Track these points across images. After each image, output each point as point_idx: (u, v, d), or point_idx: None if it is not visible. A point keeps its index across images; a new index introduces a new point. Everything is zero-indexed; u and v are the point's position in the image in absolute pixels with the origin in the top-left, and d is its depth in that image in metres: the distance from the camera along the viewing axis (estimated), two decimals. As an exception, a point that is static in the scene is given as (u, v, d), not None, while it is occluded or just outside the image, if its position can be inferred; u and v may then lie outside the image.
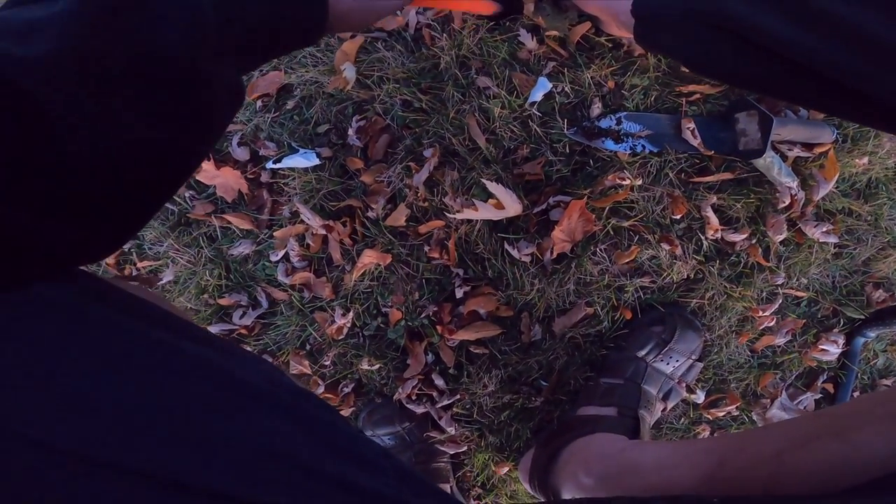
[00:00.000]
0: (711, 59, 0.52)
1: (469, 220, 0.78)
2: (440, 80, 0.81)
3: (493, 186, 0.74)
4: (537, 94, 0.78)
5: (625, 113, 0.79)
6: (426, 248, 0.79)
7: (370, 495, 0.33)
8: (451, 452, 0.87)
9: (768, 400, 0.84)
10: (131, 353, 0.31)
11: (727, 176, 0.78)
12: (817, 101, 0.47)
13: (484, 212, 0.74)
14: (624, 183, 0.76)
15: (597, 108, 0.79)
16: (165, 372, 0.32)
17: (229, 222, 0.85)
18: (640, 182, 0.77)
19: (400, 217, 0.77)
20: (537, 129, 0.78)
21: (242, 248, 0.85)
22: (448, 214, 0.77)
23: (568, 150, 0.78)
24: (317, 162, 0.82)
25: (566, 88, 0.79)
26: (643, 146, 0.78)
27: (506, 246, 0.78)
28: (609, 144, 0.78)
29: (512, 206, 0.75)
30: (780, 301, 0.81)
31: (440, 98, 0.80)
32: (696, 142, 0.77)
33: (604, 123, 0.79)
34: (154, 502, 0.28)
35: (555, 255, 0.77)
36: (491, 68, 0.80)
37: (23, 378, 0.28)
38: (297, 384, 0.40)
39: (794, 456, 0.44)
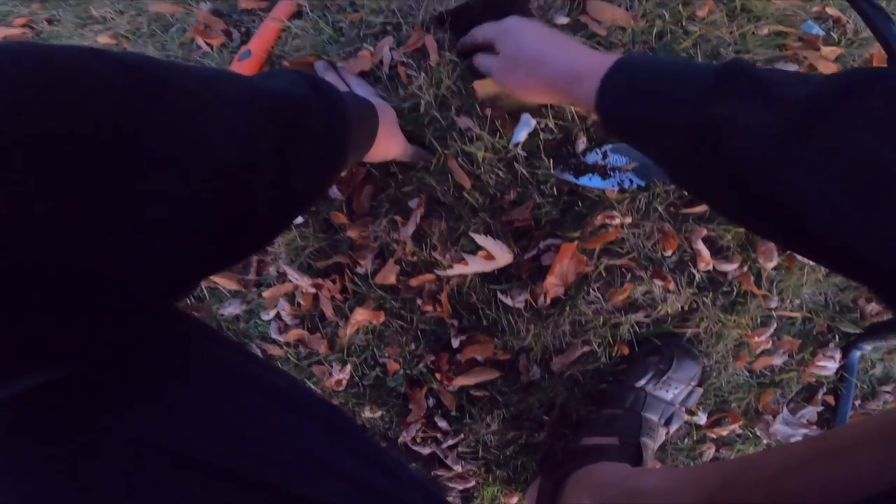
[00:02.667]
0: (685, 172, 0.48)
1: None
2: (420, 125, 0.78)
3: (481, 239, 0.72)
4: (521, 133, 0.76)
5: (610, 146, 0.77)
6: (419, 301, 0.78)
7: (388, 497, 0.38)
8: (460, 488, 0.88)
9: (770, 416, 0.85)
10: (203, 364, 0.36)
11: (717, 204, 0.77)
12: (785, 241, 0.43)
13: (474, 265, 0.73)
14: (613, 222, 0.75)
15: (582, 143, 0.77)
16: (229, 382, 0.37)
17: (216, 283, 0.84)
18: (629, 219, 0.75)
19: (389, 275, 0.76)
20: (523, 171, 0.76)
21: (232, 309, 0.84)
22: (438, 272, 0.76)
23: (556, 191, 0.76)
24: (300, 219, 0.80)
25: (549, 124, 0.76)
26: (630, 180, 0.77)
27: (499, 295, 0.77)
28: (596, 182, 0.76)
29: (502, 256, 0.74)
30: (775, 325, 0.81)
31: (422, 142, 0.78)
32: (684, 172, 0.76)
33: (590, 158, 0.77)
34: (209, 491, 0.31)
35: (549, 300, 0.76)
36: (472, 108, 0.77)
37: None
38: (325, 398, 0.47)
39: (793, 476, 0.46)
